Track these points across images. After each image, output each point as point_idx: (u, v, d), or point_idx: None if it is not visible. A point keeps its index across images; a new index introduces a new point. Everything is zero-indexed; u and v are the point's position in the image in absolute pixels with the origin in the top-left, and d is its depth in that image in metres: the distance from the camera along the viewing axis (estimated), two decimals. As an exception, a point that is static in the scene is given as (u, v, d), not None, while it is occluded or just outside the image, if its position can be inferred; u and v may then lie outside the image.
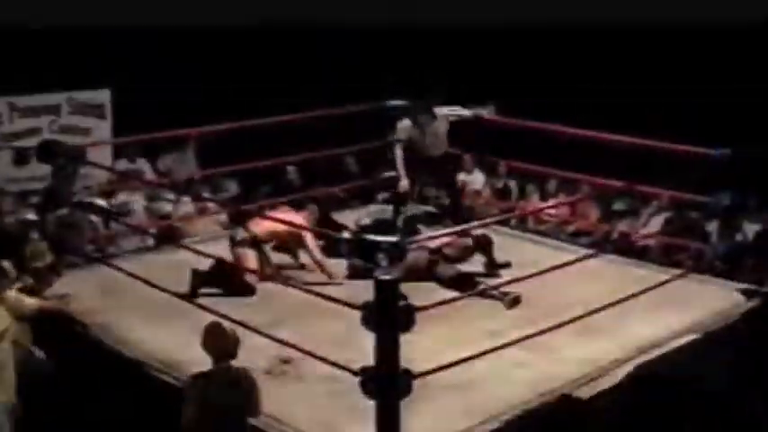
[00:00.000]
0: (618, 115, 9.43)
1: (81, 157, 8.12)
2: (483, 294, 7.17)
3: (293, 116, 9.19)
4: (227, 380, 5.23)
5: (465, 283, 7.33)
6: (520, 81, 11.38)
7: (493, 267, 7.84)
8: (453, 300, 6.62)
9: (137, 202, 10.28)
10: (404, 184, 8.41)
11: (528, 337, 6.17)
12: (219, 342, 5.31)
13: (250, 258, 7.51)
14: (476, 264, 7.91)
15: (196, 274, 7.26)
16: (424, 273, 7.55)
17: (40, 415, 6.48)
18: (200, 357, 6.27)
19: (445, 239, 7.67)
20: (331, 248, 7.93)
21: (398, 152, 8.45)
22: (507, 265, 7.89)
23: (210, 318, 6.36)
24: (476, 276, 7.61)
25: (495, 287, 7.20)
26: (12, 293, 6.55)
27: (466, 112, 8.58)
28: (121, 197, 10.11)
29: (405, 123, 8.46)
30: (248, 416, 5.27)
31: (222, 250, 7.69)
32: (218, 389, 5.19)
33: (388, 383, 5.18)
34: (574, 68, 11.57)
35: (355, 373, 5.29)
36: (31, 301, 6.57)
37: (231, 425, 5.21)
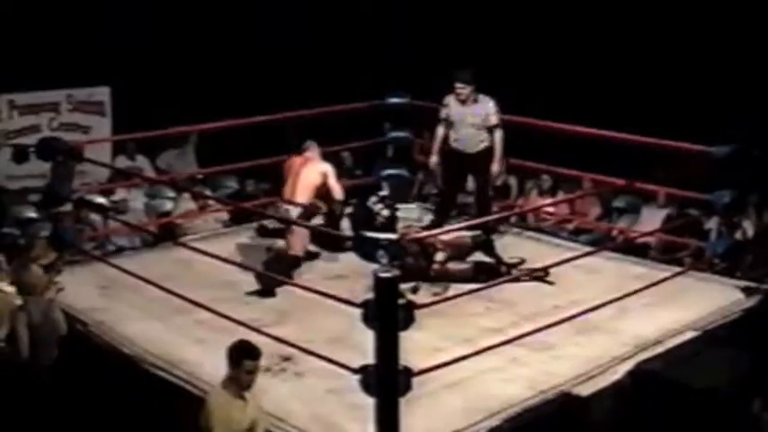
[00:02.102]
0: (618, 112, 9.43)
1: (78, 155, 8.09)
2: (516, 279, 7.30)
3: (292, 113, 9.18)
4: (39, 309, 6.52)
5: (489, 273, 7.33)
6: (519, 78, 11.36)
7: (499, 265, 7.77)
8: (453, 297, 6.64)
9: (136, 199, 10.27)
10: (433, 160, 8.51)
11: (527, 334, 6.17)
12: (29, 279, 6.54)
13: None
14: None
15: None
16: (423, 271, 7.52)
17: (37, 411, 6.51)
18: (199, 354, 6.31)
19: (444, 238, 7.63)
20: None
21: (500, 134, 8.34)
22: (521, 262, 7.84)
23: (208, 315, 6.39)
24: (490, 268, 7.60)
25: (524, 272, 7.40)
26: (7, 287, 6.59)
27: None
28: (120, 194, 10.10)
29: (492, 102, 8.37)
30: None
31: (222, 248, 7.69)
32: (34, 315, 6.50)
33: (387, 381, 5.18)
34: (573, 65, 11.56)
35: (355, 371, 5.29)
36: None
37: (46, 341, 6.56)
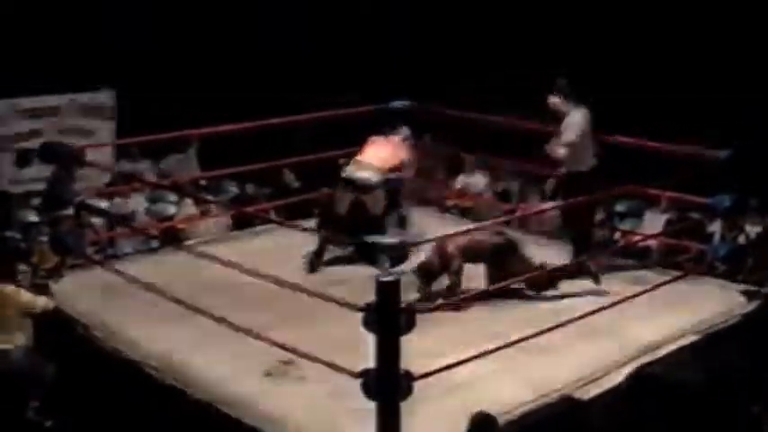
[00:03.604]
0: (619, 115, 9.43)
1: (79, 159, 8.12)
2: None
3: (296, 117, 9.20)
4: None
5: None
6: (521, 78, 11.37)
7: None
8: (454, 301, 6.67)
9: (138, 203, 10.29)
10: (560, 152, 7.51)
11: (528, 338, 6.18)
12: None
13: None
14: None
15: None
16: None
17: (40, 416, 6.53)
18: (200, 359, 6.33)
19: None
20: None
21: (566, 151, 7.54)
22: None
23: (207, 320, 6.39)
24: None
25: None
26: (22, 291, 6.63)
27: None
28: (129, 205, 10.11)
29: (578, 119, 7.55)
30: None
31: (224, 253, 7.70)
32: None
33: (388, 385, 5.20)
34: (575, 67, 11.57)
35: (356, 375, 5.30)
36: (33, 298, 6.65)
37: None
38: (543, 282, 7.29)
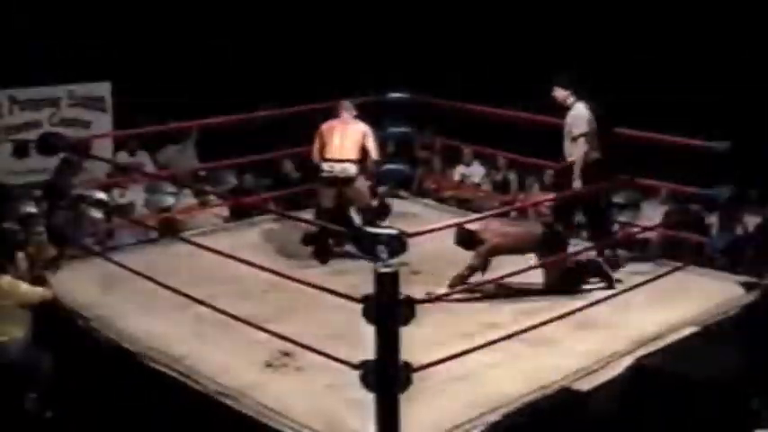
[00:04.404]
0: (620, 107, 9.43)
1: (84, 151, 8.10)
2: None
3: (292, 108, 9.18)
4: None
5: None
6: (521, 71, 11.36)
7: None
8: (454, 293, 6.66)
9: (136, 195, 10.28)
10: (577, 184, 7.58)
11: (528, 329, 6.18)
12: None
13: None
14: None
15: None
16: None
17: (39, 407, 6.53)
18: (199, 350, 6.32)
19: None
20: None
21: (581, 147, 7.58)
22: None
23: (209, 310, 6.39)
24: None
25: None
26: (20, 282, 6.62)
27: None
28: (128, 197, 10.10)
29: (585, 112, 7.67)
30: None
31: (222, 243, 7.70)
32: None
33: (387, 376, 5.19)
34: (575, 60, 11.57)
35: (355, 367, 5.30)
36: (31, 290, 6.64)
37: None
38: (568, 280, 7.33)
